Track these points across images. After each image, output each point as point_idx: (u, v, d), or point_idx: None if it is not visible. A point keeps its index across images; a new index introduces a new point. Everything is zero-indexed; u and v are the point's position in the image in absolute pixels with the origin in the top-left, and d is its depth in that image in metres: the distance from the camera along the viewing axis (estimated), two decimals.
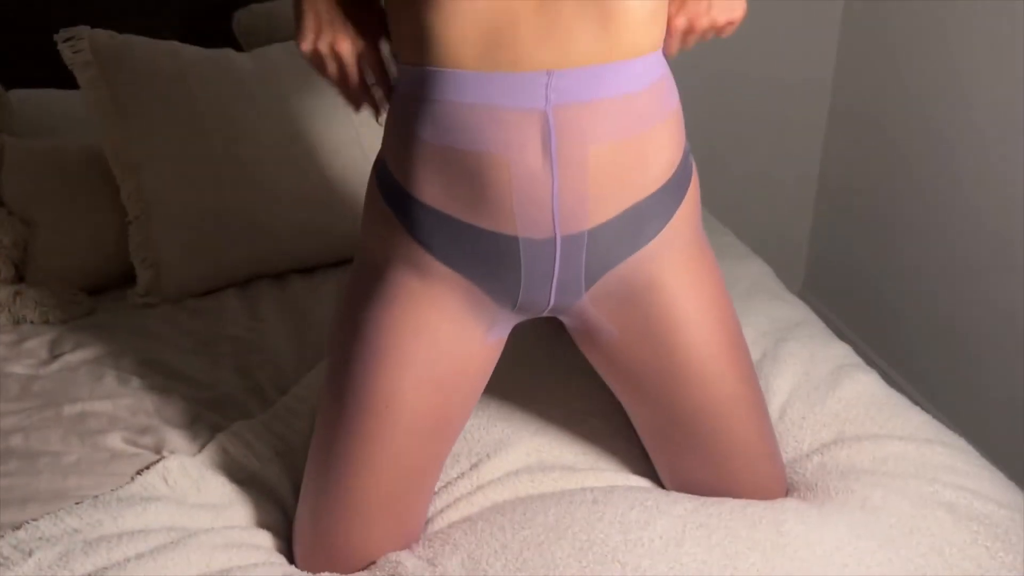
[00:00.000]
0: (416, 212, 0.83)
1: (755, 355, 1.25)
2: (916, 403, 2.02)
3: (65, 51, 1.38)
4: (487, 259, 0.83)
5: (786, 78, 2.30)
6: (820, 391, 1.15)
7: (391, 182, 0.85)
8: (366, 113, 0.92)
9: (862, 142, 2.27)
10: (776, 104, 2.32)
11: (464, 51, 0.75)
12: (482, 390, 0.97)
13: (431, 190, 0.81)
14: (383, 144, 0.88)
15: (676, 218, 0.87)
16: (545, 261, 0.83)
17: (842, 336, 2.31)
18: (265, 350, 1.29)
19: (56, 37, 1.39)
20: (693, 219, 0.89)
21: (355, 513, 0.91)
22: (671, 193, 0.85)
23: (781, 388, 1.17)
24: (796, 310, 1.38)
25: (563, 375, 1.18)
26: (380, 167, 0.88)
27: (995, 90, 1.80)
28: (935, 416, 1.12)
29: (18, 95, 1.63)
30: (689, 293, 0.90)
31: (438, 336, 0.87)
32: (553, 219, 0.80)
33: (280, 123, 1.47)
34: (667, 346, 0.91)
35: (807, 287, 2.58)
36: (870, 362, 2.20)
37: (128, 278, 1.44)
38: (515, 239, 0.81)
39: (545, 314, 0.92)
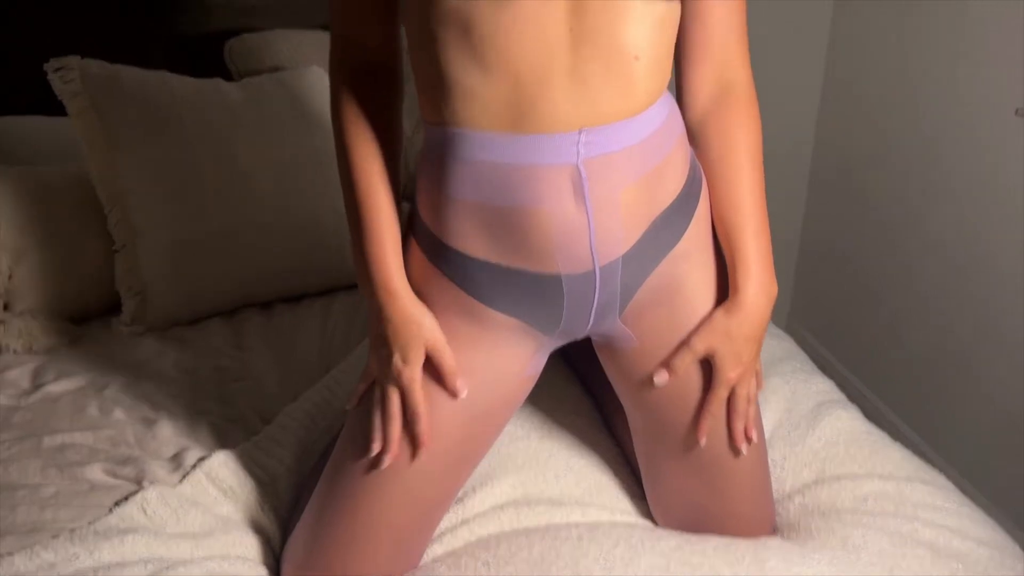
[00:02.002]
0: (459, 263, 0.87)
1: None
2: (900, 431, 2.07)
3: (55, 81, 1.39)
4: (531, 296, 0.88)
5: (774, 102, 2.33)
6: (801, 429, 1.16)
7: (430, 237, 0.89)
8: None
9: (847, 176, 2.30)
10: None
11: (499, 114, 0.79)
12: (512, 416, 1.00)
13: (472, 242, 0.85)
14: (417, 201, 0.91)
15: (694, 220, 0.92)
16: (586, 290, 0.88)
17: (827, 365, 2.35)
18: (249, 379, 1.29)
19: (46, 67, 1.40)
20: (707, 219, 0.94)
21: (361, 541, 0.92)
22: (686, 200, 0.91)
23: (763, 427, 1.17)
24: (781, 343, 1.39)
25: (551, 409, 1.18)
26: (416, 223, 0.91)
27: (967, 146, 1.84)
28: (919, 445, 1.14)
29: (4, 122, 1.64)
30: (707, 292, 0.94)
31: (483, 374, 0.91)
32: (592, 254, 0.85)
33: (268, 153, 1.48)
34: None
35: (793, 317, 2.60)
36: (855, 391, 2.24)
37: (114, 307, 1.44)
38: (557, 276, 0.86)
39: (582, 336, 0.95)
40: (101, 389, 1.24)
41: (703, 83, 0.92)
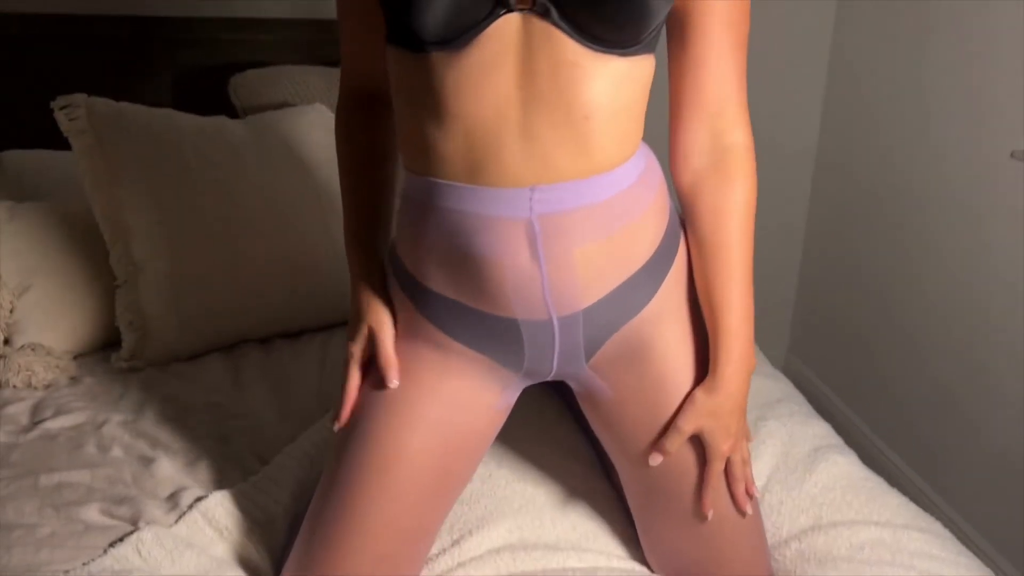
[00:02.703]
0: (427, 297, 0.90)
1: None
2: (899, 470, 2.06)
3: (61, 119, 1.41)
4: (493, 336, 0.89)
5: (773, 142, 2.36)
6: (798, 474, 1.16)
7: (404, 271, 0.92)
8: None
9: (847, 208, 2.31)
10: (762, 170, 2.36)
11: (456, 167, 0.81)
12: (482, 458, 1.00)
13: (438, 280, 0.88)
14: (395, 236, 0.95)
15: (666, 282, 0.91)
16: (545, 337, 0.89)
17: (826, 402, 2.35)
18: (247, 417, 1.29)
19: (53, 104, 1.42)
20: (682, 280, 0.94)
21: (346, 566, 0.92)
22: (659, 262, 0.90)
23: (761, 472, 1.17)
24: (778, 385, 1.39)
25: (548, 454, 1.18)
26: (393, 256, 0.95)
27: (963, 188, 1.85)
28: (919, 484, 1.13)
29: (11, 156, 1.66)
30: (680, 350, 0.93)
31: (452, 399, 0.92)
32: (547, 306, 0.86)
33: (270, 191, 1.50)
34: (659, 407, 0.94)
35: (792, 351, 2.60)
36: (854, 428, 2.24)
37: (113, 342, 1.45)
38: (515, 321, 0.87)
39: (551, 379, 0.96)
40: (99, 426, 1.24)
41: (695, 146, 0.89)
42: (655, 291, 0.90)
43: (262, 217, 1.48)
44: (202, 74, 1.95)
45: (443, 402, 0.92)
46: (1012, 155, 1.73)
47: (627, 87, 0.81)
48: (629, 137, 0.84)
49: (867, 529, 1.06)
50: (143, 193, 1.41)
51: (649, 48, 0.82)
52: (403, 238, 0.91)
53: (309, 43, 2.02)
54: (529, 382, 0.97)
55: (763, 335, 2.19)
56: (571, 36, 0.76)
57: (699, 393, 0.92)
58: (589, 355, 0.92)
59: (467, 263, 0.84)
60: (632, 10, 0.76)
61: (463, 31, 0.76)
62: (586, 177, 0.81)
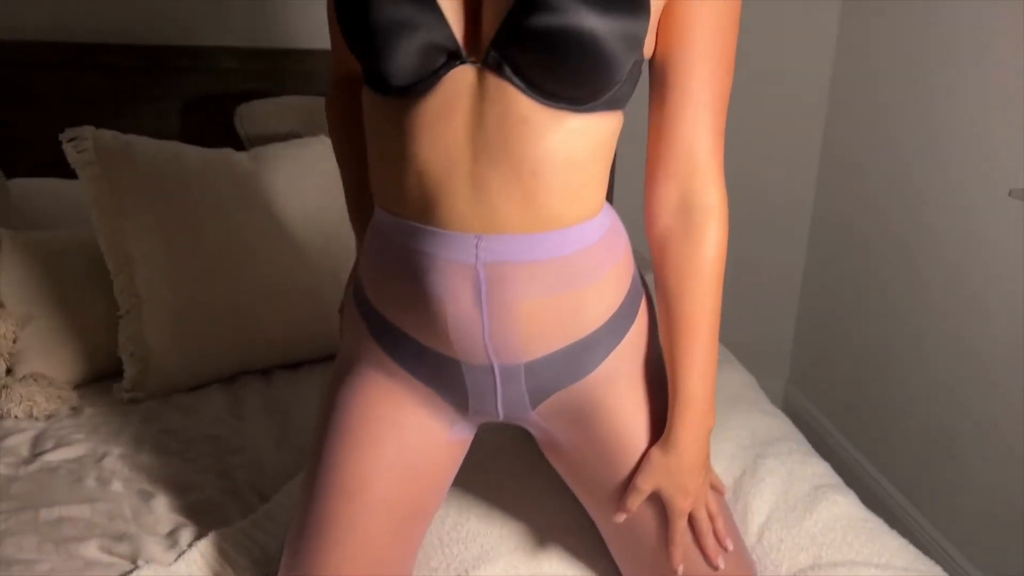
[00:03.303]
0: (381, 325, 0.92)
1: (735, 471, 1.26)
2: (897, 503, 2.06)
3: (69, 150, 1.42)
4: (438, 373, 0.91)
5: (773, 179, 2.38)
6: (798, 512, 1.16)
7: (363, 295, 0.94)
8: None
9: (846, 241, 2.33)
10: (762, 201, 2.39)
11: (410, 206, 0.84)
12: (449, 484, 1.01)
13: (391, 310, 0.90)
14: (361, 261, 0.97)
15: (620, 348, 0.91)
16: (486, 382, 0.90)
17: (825, 434, 2.35)
18: (247, 451, 1.29)
19: (61, 137, 1.43)
20: (640, 346, 0.93)
21: None
22: (612, 331, 0.90)
23: (760, 509, 1.17)
24: (777, 423, 1.39)
25: (543, 491, 1.18)
26: (355, 276, 0.99)
27: (961, 226, 1.87)
28: (918, 519, 1.13)
29: (18, 184, 1.67)
30: (632, 411, 0.93)
31: (404, 427, 0.94)
32: (487, 352, 0.87)
33: (274, 223, 1.51)
34: (616, 465, 0.94)
35: (792, 383, 2.60)
36: (851, 459, 2.24)
37: (115, 372, 1.45)
38: (458, 362, 0.89)
39: (502, 421, 0.96)
40: (100, 459, 1.24)
41: (664, 203, 0.87)
42: (606, 356, 0.90)
43: (266, 250, 1.49)
44: (209, 102, 1.97)
45: (399, 433, 0.93)
46: (1010, 193, 1.74)
47: (581, 144, 0.80)
48: (584, 195, 0.84)
49: (866, 570, 1.06)
50: (148, 224, 1.43)
51: (612, 106, 0.82)
52: (365, 264, 0.93)
53: (316, 74, 2.04)
54: (482, 421, 0.97)
55: (763, 366, 2.21)
56: (523, 91, 0.77)
57: (655, 452, 0.91)
58: (535, 404, 0.92)
59: (416, 299, 0.85)
60: (587, 71, 0.75)
61: (420, 80, 0.78)
62: (533, 232, 0.82)
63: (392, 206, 0.86)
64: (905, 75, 2.06)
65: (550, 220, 0.82)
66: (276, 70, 2.02)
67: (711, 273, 0.88)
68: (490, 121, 0.78)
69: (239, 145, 1.84)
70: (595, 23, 0.73)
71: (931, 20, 1.96)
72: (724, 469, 1.26)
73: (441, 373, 0.90)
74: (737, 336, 2.04)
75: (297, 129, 1.83)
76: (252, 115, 1.87)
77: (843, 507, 1.17)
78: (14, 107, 1.87)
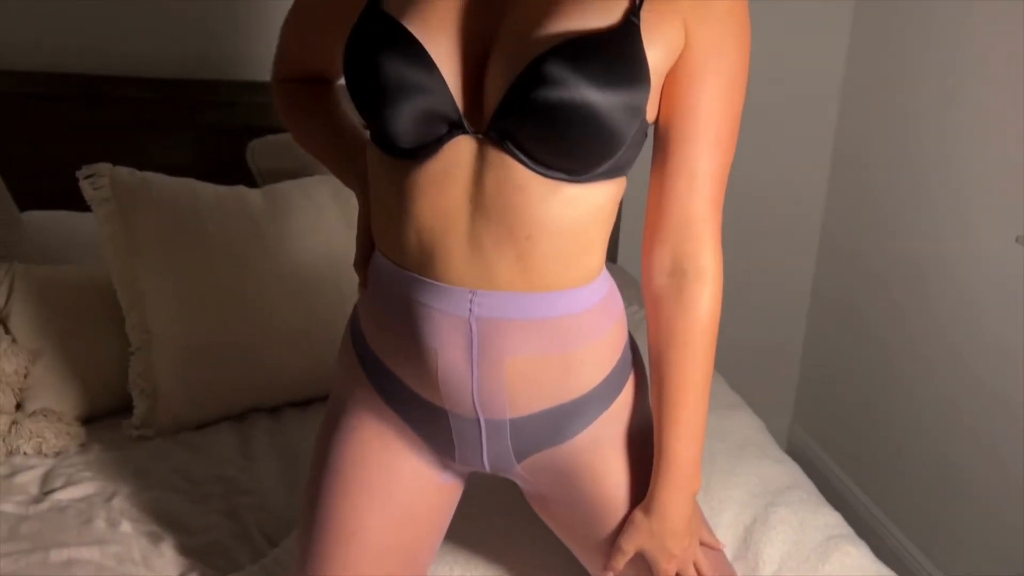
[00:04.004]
0: (373, 363, 0.94)
1: (746, 519, 1.25)
2: (907, 551, 2.04)
3: (86, 187, 1.43)
4: (426, 420, 0.92)
5: (778, 215, 2.39)
6: (811, 563, 1.16)
7: (359, 331, 0.96)
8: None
9: (852, 277, 2.33)
10: (768, 241, 2.40)
11: (409, 258, 0.86)
12: (445, 528, 1.02)
13: (383, 350, 0.92)
14: (361, 300, 0.98)
15: (607, 415, 0.92)
16: (472, 434, 0.91)
17: (831, 475, 2.34)
18: (256, 493, 1.29)
19: (78, 174, 1.44)
20: (626, 413, 0.94)
21: None
22: (601, 396, 0.91)
23: (772, 558, 1.17)
24: (786, 470, 1.39)
25: (541, 536, 1.17)
26: (354, 314, 0.99)
27: (968, 271, 1.88)
28: (928, 569, 1.12)
29: (32, 217, 1.68)
30: (615, 476, 0.93)
31: (396, 471, 0.95)
32: (475, 406, 0.88)
33: (286, 261, 1.51)
34: (600, 524, 0.95)
35: (796, 421, 2.60)
36: (857, 502, 2.23)
37: (124, 407, 1.45)
38: (445, 411, 0.90)
39: (489, 472, 0.97)
40: (109, 499, 1.24)
41: (658, 263, 0.88)
42: (592, 421, 0.91)
43: (278, 287, 1.49)
44: (223, 136, 1.98)
45: (392, 478, 0.95)
46: (1017, 240, 1.75)
47: (577, 212, 0.81)
48: (580, 261, 0.85)
49: None
50: (162, 262, 1.43)
51: (614, 173, 0.83)
52: (364, 304, 0.95)
53: None
54: (469, 470, 0.98)
55: (767, 406, 2.21)
56: (521, 162, 0.79)
57: (638, 514, 0.92)
58: (520, 459, 0.93)
59: (410, 346, 0.87)
60: (587, 144, 0.77)
61: (422, 146, 0.81)
62: (527, 291, 0.83)
63: (392, 254, 0.88)
64: (913, 117, 2.08)
65: (544, 282, 0.84)
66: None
67: (701, 338, 0.87)
68: (489, 186, 0.80)
69: (251, 179, 1.86)
70: (596, 97, 0.75)
71: (946, 61, 1.97)
72: (734, 516, 1.26)
73: (430, 421, 0.92)
74: (742, 375, 2.04)
75: (309, 165, 1.84)
76: (264, 150, 1.88)
77: (855, 559, 1.17)
78: (28, 137, 1.89)
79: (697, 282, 0.86)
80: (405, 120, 0.79)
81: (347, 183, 1.03)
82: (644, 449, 0.94)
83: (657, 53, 0.79)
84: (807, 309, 2.52)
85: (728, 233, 2.12)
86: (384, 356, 0.92)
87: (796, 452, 2.52)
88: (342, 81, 0.91)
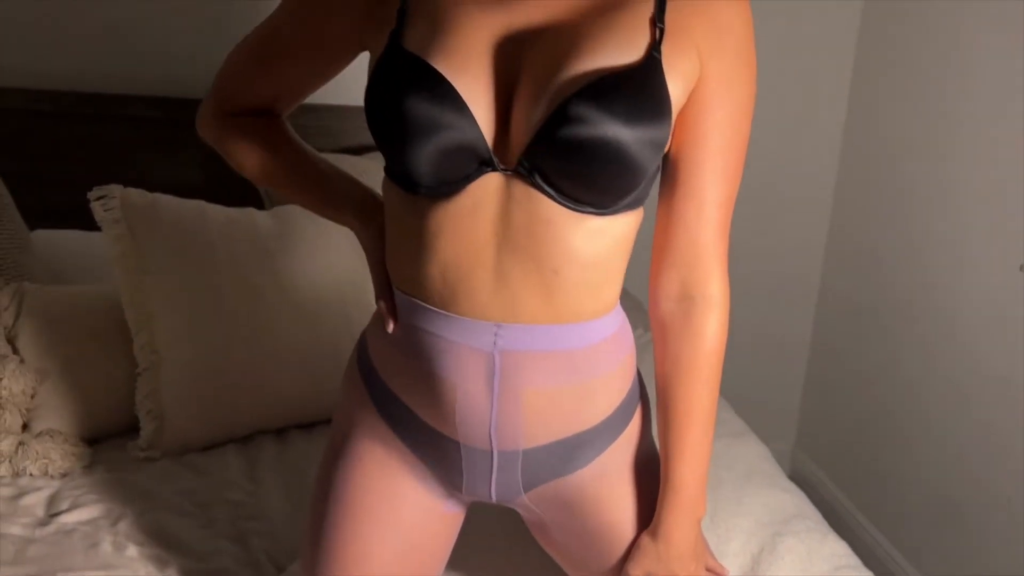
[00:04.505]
0: (384, 394, 0.93)
1: (753, 548, 1.26)
2: (906, 573, 2.04)
3: (97, 209, 1.44)
4: (435, 451, 0.92)
5: (783, 241, 2.40)
6: None
7: (367, 360, 0.96)
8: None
9: (856, 303, 2.34)
10: (772, 265, 2.40)
11: (429, 292, 0.85)
12: (447, 556, 1.02)
13: (396, 381, 0.92)
14: (370, 323, 0.98)
15: (616, 446, 0.93)
16: (483, 465, 0.91)
17: (833, 500, 2.34)
18: (263, 517, 1.28)
19: (89, 195, 1.45)
20: (633, 442, 0.95)
21: None
22: (610, 427, 0.92)
23: None
24: (794, 499, 1.39)
25: (542, 561, 1.17)
26: (362, 342, 0.99)
27: (970, 299, 1.88)
28: None
29: (41, 236, 1.68)
30: (622, 505, 0.94)
31: (400, 502, 0.95)
32: (490, 437, 0.88)
33: (294, 283, 1.52)
34: (605, 554, 0.96)
35: (799, 445, 2.59)
36: (859, 527, 2.22)
37: (129, 428, 1.45)
38: (458, 444, 0.90)
39: (495, 502, 0.97)
40: (115, 522, 1.23)
41: (666, 290, 0.89)
42: (601, 452, 0.92)
43: (285, 309, 1.50)
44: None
45: (396, 508, 0.94)
46: (1021, 268, 1.76)
47: (600, 243, 0.83)
48: (602, 292, 0.86)
49: None
50: (171, 283, 1.44)
51: (633, 205, 0.84)
52: (377, 336, 0.94)
53: (335, 130, 2.07)
54: (473, 499, 0.98)
55: (769, 430, 2.21)
56: (549, 196, 0.80)
57: (644, 538, 0.93)
58: (527, 489, 0.93)
59: (427, 379, 0.87)
60: (614, 179, 0.79)
61: (449, 183, 0.81)
62: (549, 323, 0.84)
63: (411, 289, 0.87)
64: (918, 145, 2.09)
65: (568, 314, 0.84)
66: (296, 126, 2.04)
67: (708, 364, 0.89)
68: (516, 221, 0.81)
69: (259, 199, 1.86)
70: (622, 133, 0.77)
71: (948, 87, 1.99)
72: (742, 545, 1.26)
73: (439, 452, 0.91)
74: (745, 399, 2.04)
75: None
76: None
77: None
78: (38, 155, 1.89)
79: (705, 308, 0.88)
80: (433, 158, 0.79)
81: (340, 220, 0.99)
82: (649, 479, 0.95)
83: (676, 87, 0.81)
84: (810, 334, 2.52)
85: (732, 255, 2.12)
86: (397, 388, 0.92)
87: (798, 476, 2.52)
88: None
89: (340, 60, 0.95)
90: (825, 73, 2.32)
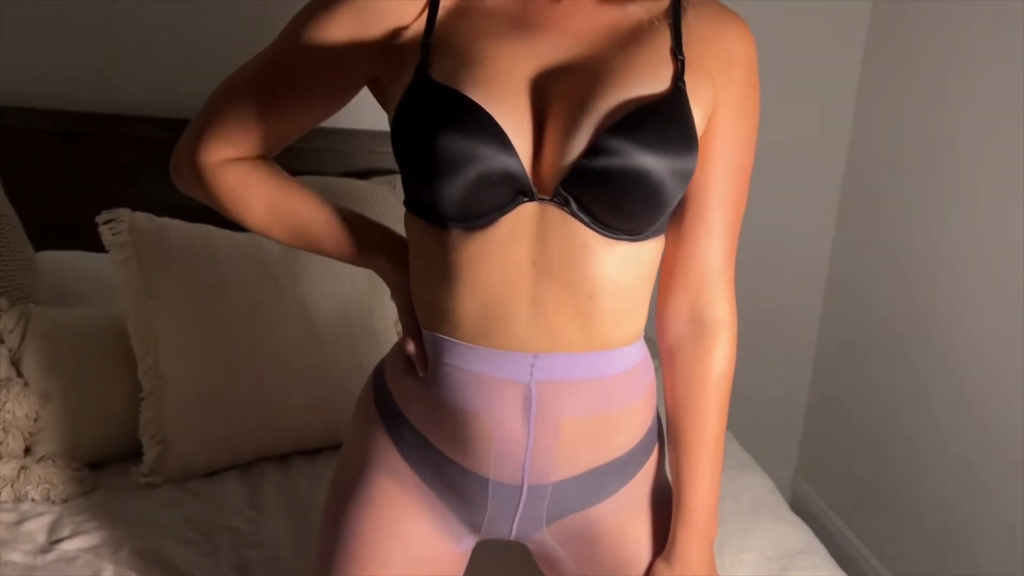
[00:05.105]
0: (404, 429, 0.91)
1: None
2: None
3: (105, 232, 1.44)
4: (459, 489, 0.90)
5: (785, 264, 2.41)
6: None
7: (387, 394, 0.93)
8: (384, 306, 0.96)
9: (858, 332, 2.34)
10: (773, 292, 2.41)
11: (464, 328, 0.84)
12: None
13: (420, 419, 0.90)
14: (388, 357, 0.96)
15: (636, 479, 0.93)
16: (510, 502, 0.90)
17: (833, 528, 2.33)
18: (265, 546, 1.27)
19: (98, 219, 1.45)
20: (650, 477, 0.95)
21: None
22: (634, 459, 0.93)
23: None
24: (798, 533, 1.38)
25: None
26: (379, 376, 0.96)
27: (973, 330, 1.89)
28: None
29: (47, 257, 1.67)
30: (641, 536, 0.94)
31: (412, 540, 0.93)
32: (523, 472, 0.87)
33: (300, 309, 1.51)
34: None
35: (800, 474, 2.59)
36: (858, 555, 2.21)
37: (132, 453, 1.44)
38: (486, 480, 0.89)
39: (510, 539, 0.96)
40: (116, 550, 1.22)
41: (677, 313, 0.91)
42: (624, 484, 0.92)
43: (291, 335, 1.49)
44: None
45: (407, 548, 0.93)
46: None
47: (632, 269, 0.84)
48: (631, 319, 0.87)
49: None
50: (177, 308, 1.43)
51: (658, 232, 0.86)
52: (398, 373, 0.92)
53: (340, 153, 2.07)
54: (488, 537, 0.97)
55: (771, 457, 2.20)
56: (584, 223, 0.81)
57: (659, 564, 0.93)
58: (550, 523, 0.93)
59: (457, 416, 0.86)
60: (644, 206, 0.81)
61: (484, 214, 0.80)
62: (585, 351, 0.84)
63: (438, 326, 0.86)
64: (917, 182, 2.10)
65: (602, 341, 0.85)
66: (301, 149, 2.03)
67: (719, 386, 0.91)
68: (552, 248, 0.81)
69: None
70: (652, 163, 0.78)
71: (953, 121, 1.99)
72: None
73: (463, 490, 0.90)
74: (746, 428, 2.04)
75: None
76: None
77: None
78: (44, 174, 1.89)
79: (714, 330, 0.90)
80: (469, 189, 0.78)
81: (365, 263, 0.95)
82: (665, 512, 0.95)
83: (698, 115, 0.84)
84: (812, 362, 2.52)
85: (736, 285, 2.09)
86: (422, 426, 0.90)
87: (799, 504, 2.51)
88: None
89: (346, 97, 0.93)
90: (834, 76, 2.29)
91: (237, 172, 0.92)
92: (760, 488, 1.50)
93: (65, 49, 1.93)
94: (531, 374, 0.83)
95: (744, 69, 0.88)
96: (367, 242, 0.95)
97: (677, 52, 0.83)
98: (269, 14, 2.01)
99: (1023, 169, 1.78)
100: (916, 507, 2.08)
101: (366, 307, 1.58)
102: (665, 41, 0.84)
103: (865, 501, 2.29)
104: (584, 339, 0.84)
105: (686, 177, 0.82)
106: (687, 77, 0.83)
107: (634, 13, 0.85)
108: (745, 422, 2.08)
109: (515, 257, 0.81)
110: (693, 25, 0.85)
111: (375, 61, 0.88)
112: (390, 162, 2.05)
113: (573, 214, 0.80)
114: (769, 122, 2.19)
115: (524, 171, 0.80)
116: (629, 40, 0.83)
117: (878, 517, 2.23)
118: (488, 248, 0.81)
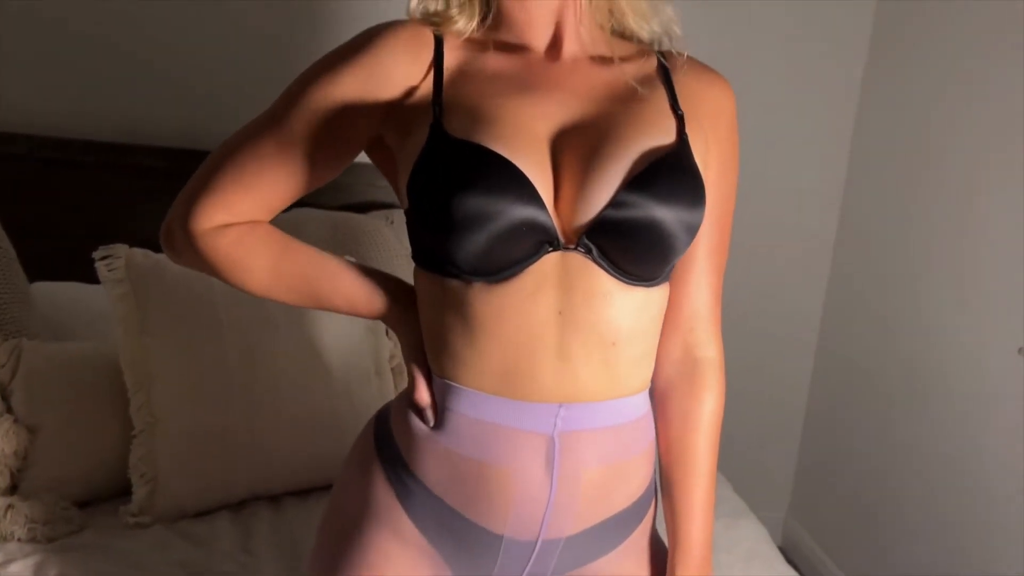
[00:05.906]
0: (411, 486, 0.88)
1: None
2: None
3: (101, 269, 1.43)
4: (467, 545, 0.88)
5: (779, 305, 2.41)
6: None
7: (393, 449, 0.90)
8: (379, 348, 0.94)
9: (849, 376, 2.34)
10: (767, 328, 2.41)
11: (485, 378, 0.83)
12: None
13: (432, 476, 0.87)
14: (394, 409, 0.92)
15: (638, 530, 0.94)
16: (521, 558, 0.89)
17: (825, 570, 2.31)
18: None
19: (95, 255, 1.44)
20: (648, 527, 0.97)
21: None
22: (637, 510, 0.93)
23: None
24: None
25: None
26: (383, 427, 0.92)
27: (969, 382, 1.89)
28: None
29: (41, 288, 1.66)
30: None
31: None
32: (541, 527, 0.86)
33: (295, 349, 1.50)
34: None
35: (791, 515, 2.58)
36: None
37: (122, 491, 1.42)
38: (500, 537, 0.87)
39: None
40: None
41: (668, 355, 0.94)
42: (628, 536, 0.93)
43: (285, 374, 1.48)
44: None
45: None
46: (1020, 351, 1.77)
47: (646, 314, 0.87)
48: (645, 364, 0.89)
49: None
50: (171, 345, 1.42)
51: (666, 279, 0.89)
52: (406, 425, 0.89)
53: (341, 186, 2.06)
54: None
55: (762, 497, 2.19)
56: (605, 270, 0.82)
57: None
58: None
59: (473, 469, 0.84)
60: (659, 253, 0.84)
61: (508, 266, 0.80)
62: (606, 399, 0.85)
63: (456, 376, 0.84)
64: (915, 224, 2.11)
65: (623, 388, 0.86)
66: None
67: (712, 421, 0.94)
68: (576, 297, 0.82)
69: None
70: (664, 214, 0.82)
71: (949, 161, 2.00)
72: None
73: (471, 546, 0.88)
74: (737, 469, 2.03)
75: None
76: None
77: None
78: (40, 202, 1.88)
79: (706, 370, 0.93)
80: (496, 242, 0.78)
81: (374, 315, 0.92)
82: (656, 558, 0.96)
83: (699, 166, 0.87)
84: (804, 404, 2.52)
85: (726, 327, 2.11)
86: (430, 481, 0.87)
87: (790, 545, 2.50)
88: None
89: (344, 163, 0.90)
90: (827, 122, 2.30)
91: (233, 236, 0.88)
92: (755, 538, 1.50)
93: (66, 78, 1.92)
94: (555, 425, 0.83)
95: (727, 122, 0.92)
96: (377, 294, 0.92)
97: (675, 107, 0.87)
98: (268, 45, 2.02)
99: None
100: (909, 551, 2.07)
101: (361, 348, 1.57)
102: (661, 97, 0.88)
103: (857, 545, 2.28)
104: (606, 387, 0.85)
105: (693, 230, 0.84)
106: (688, 130, 0.86)
107: (627, 72, 0.88)
108: (737, 463, 2.07)
109: (541, 307, 0.81)
110: (683, 82, 0.90)
111: (379, 125, 0.87)
112: (389, 196, 2.05)
113: (595, 261, 0.82)
114: (772, 123, 2.23)
115: (552, 221, 0.81)
116: (628, 97, 0.87)
117: (870, 561, 2.22)
118: (513, 300, 0.81)
